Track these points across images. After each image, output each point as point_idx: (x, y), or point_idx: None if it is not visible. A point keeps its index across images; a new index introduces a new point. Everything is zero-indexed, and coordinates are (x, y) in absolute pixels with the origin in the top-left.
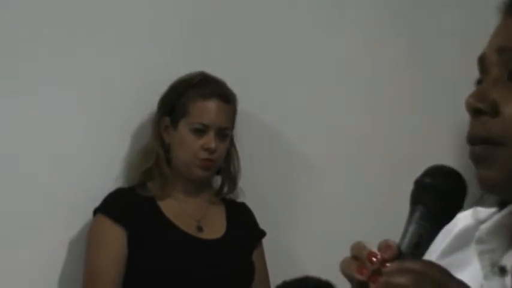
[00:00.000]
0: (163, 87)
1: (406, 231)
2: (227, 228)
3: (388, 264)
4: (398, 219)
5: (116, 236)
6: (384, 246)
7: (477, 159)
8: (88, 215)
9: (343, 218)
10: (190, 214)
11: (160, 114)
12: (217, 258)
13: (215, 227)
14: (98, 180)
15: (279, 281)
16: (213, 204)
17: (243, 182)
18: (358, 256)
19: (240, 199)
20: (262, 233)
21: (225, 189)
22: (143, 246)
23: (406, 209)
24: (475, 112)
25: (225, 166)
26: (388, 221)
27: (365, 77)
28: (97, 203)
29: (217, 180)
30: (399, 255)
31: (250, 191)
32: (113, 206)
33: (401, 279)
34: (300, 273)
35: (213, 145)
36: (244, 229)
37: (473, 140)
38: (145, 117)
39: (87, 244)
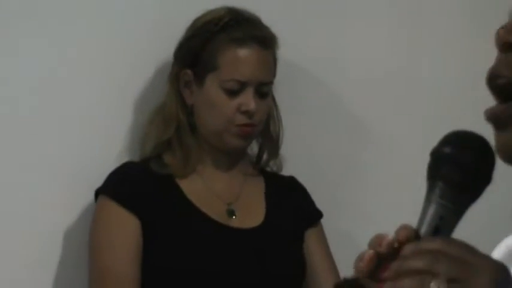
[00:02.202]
0: (179, 32)
1: (423, 213)
2: (267, 213)
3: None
4: (487, 203)
5: (129, 226)
6: (398, 228)
7: (497, 119)
8: (89, 198)
9: (415, 196)
10: (219, 194)
11: (179, 66)
12: (254, 254)
13: (252, 211)
14: (99, 154)
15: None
16: (249, 179)
17: (283, 150)
18: (371, 246)
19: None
20: (318, 215)
21: (265, 157)
22: (158, 240)
23: (497, 189)
24: (505, 47)
25: (264, 127)
26: (475, 205)
27: (441, 14)
28: (99, 183)
29: (253, 147)
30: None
31: (293, 161)
32: (120, 187)
33: (416, 263)
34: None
35: (252, 106)
36: (292, 212)
37: (494, 82)
38: (158, 72)
39: (92, 237)
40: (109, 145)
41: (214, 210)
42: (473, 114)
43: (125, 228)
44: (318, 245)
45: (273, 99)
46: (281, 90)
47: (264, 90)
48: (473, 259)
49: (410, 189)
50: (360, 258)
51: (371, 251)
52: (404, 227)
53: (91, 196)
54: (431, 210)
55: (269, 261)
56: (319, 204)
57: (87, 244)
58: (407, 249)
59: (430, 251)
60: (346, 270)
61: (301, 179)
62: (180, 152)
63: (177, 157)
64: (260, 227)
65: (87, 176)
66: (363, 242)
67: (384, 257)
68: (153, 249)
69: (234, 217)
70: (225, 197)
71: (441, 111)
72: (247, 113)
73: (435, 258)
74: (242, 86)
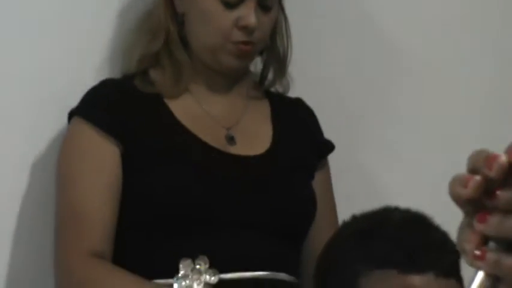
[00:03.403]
0: None
1: None
2: (274, 139)
3: None
4: None
5: (106, 154)
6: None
7: None
8: (60, 121)
9: (440, 128)
10: (217, 118)
11: None
12: (259, 185)
13: (255, 136)
14: (75, 69)
15: (345, 213)
16: (252, 102)
17: (293, 70)
18: (475, 166)
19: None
20: (329, 146)
21: (270, 77)
22: (144, 171)
23: None
24: None
25: (270, 42)
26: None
27: None
28: (73, 103)
29: (257, 64)
30: None
31: (302, 81)
32: (98, 107)
33: None
34: (376, 201)
35: (252, 21)
36: (302, 139)
37: None
38: None
39: (61, 165)
40: (86, 58)
41: (211, 136)
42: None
43: (102, 156)
44: (322, 190)
45: (282, 9)
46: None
47: (267, 2)
48: None
49: (438, 117)
50: (461, 181)
51: (479, 178)
52: None
53: (64, 119)
54: None
55: (275, 193)
56: (330, 133)
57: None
58: None
59: None
60: (358, 207)
61: (311, 103)
62: (170, 67)
63: (166, 73)
64: (265, 155)
65: (59, 95)
66: (380, 177)
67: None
68: (138, 182)
69: (234, 144)
70: (223, 121)
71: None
72: (246, 29)
73: None
74: None
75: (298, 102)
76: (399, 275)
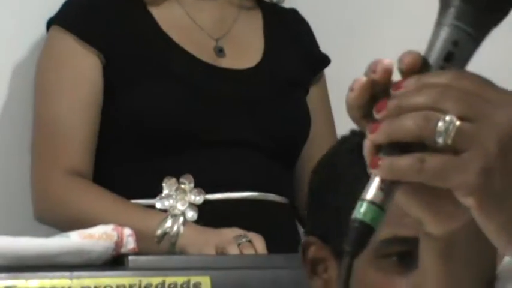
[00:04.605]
0: None
1: (433, 39)
2: (266, 51)
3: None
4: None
5: (86, 63)
6: (402, 54)
7: None
8: (40, 29)
9: None
10: (205, 27)
11: None
12: (249, 101)
13: (246, 48)
14: None
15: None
16: (243, 12)
17: None
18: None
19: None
20: (325, 60)
21: None
22: (126, 84)
23: None
24: None
25: None
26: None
27: None
28: (52, 12)
29: None
30: (424, 70)
31: None
32: (79, 16)
33: (419, 98)
34: None
35: None
36: (295, 52)
37: None
38: None
39: (40, 75)
40: None
41: (199, 47)
42: None
43: (82, 67)
44: (317, 105)
45: None
46: None
47: None
48: (491, 94)
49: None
50: (350, 87)
51: (363, 78)
52: (409, 53)
53: (42, 27)
54: (443, 35)
55: (265, 110)
56: (325, 47)
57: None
58: (409, 82)
59: (438, 85)
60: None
61: (307, 15)
62: None
63: None
64: (256, 68)
65: (38, 2)
66: None
67: (381, 89)
68: (119, 98)
69: (223, 56)
70: (212, 31)
71: None
72: None
73: (443, 92)
74: None
75: (293, 13)
76: None
